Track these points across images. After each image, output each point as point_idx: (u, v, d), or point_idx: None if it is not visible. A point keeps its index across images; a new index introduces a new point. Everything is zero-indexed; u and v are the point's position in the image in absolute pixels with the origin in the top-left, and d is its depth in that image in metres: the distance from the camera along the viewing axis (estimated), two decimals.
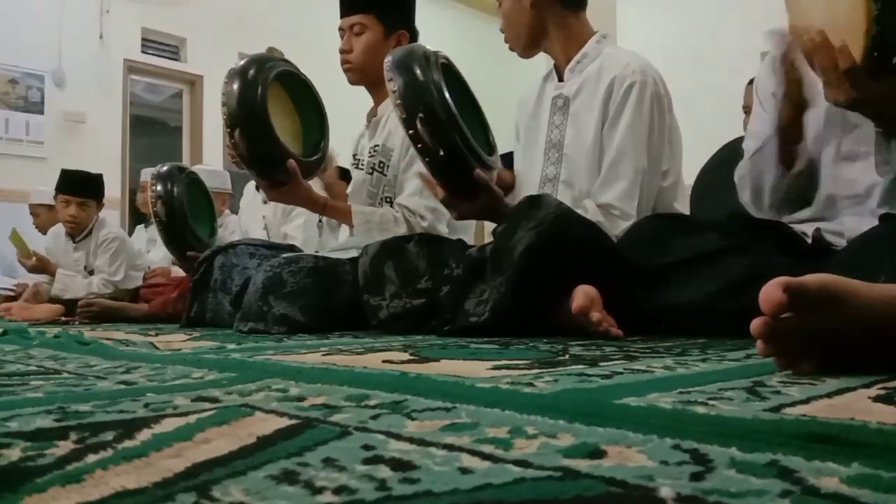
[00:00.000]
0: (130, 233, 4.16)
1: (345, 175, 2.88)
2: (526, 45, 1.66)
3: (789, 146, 1.30)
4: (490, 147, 1.61)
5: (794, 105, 1.26)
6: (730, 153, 2.32)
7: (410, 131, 1.39)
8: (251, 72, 1.71)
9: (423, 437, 0.41)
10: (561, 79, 1.67)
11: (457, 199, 1.49)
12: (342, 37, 1.96)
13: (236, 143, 1.67)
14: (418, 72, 1.41)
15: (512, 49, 1.70)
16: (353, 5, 1.94)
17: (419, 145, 1.39)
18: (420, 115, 1.37)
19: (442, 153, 1.39)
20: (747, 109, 2.74)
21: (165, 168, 2.45)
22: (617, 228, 1.44)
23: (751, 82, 2.89)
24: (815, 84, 1.17)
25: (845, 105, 1.05)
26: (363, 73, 1.94)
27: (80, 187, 3.22)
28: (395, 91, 1.40)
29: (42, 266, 3.21)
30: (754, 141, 1.36)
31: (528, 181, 1.69)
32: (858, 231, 1.19)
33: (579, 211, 1.44)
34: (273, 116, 1.73)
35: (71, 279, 3.18)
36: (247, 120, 1.67)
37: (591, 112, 1.57)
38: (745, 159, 1.39)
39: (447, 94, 1.41)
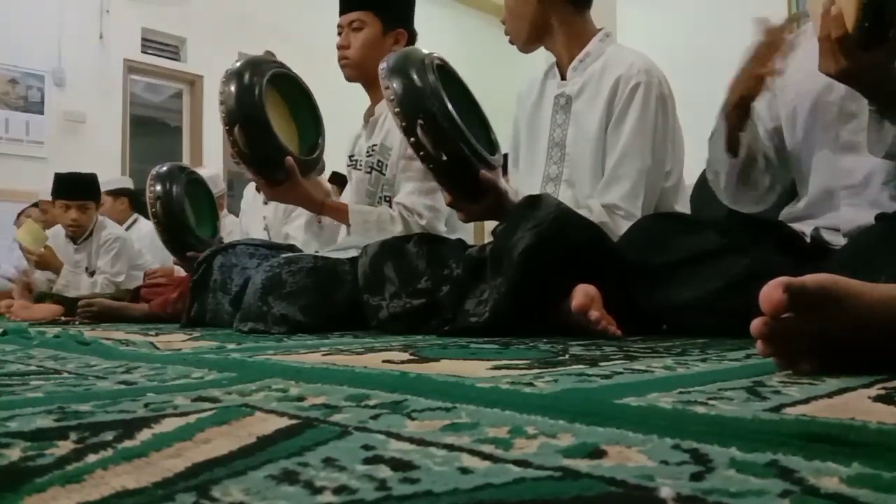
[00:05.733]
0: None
1: (340, 179, 2.88)
2: (527, 39, 1.65)
3: (732, 133, 1.27)
4: (492, 145, 1.60)
5: (740, 92, 1.23)
6: None
7: (412, 139, 1.37)
8: (247, 73, 1.73)
9: (423, 437, 0.41)
10: (563, 77, 1.66)
11: (463, 201, 1.48)
12: (340, 34, 1.97)
13: (235, 141, 1.67)
14: (415, 77, 1.39)
15: (512, 42, 1.68)
16: (352, 2, 1.95)
17: (421, 153, 1.37)
18: (420, 122, 1.35)
19: (445, 159, 1.37)
20: None
21: (165, 168, 2.44)
22: (622, 229, 1.43)
23: None
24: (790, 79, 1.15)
25: (836, 75, 1.04)
26: (360, 69, 1.95)
27: (79, 190, 3.21)
28: (393, 99, 1.38)
29: (48, 260, 3.17)
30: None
31: (530, 180, 1.69)
32: (855, 223, 1.19)
33: (583, 211, 1.44)
34: (271, 115, 1.74)
35: (76, 276, 3.18)
36: (245, 116, 1.68)
37: (594, 111, 1.57)
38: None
39: (446, 99, 1.39)
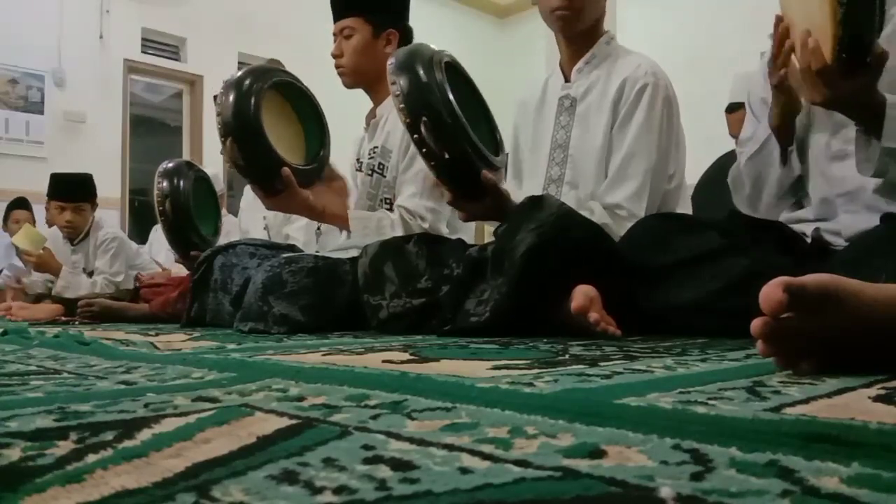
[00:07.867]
0: (131, 233, 4.17)
1: None
2: (581, 19, 1.58)
3: (783, 149, 1.31)
4: (497, 145, 1.59)
5: (783, 107, 1.25)
6: (718, 172, 2.32)
7: (415, 136, 1.37)
8: (246, 82, 1.71)
9: (423, 437, 0.41)
10: (567, 79, 1.66)
11: (463, 201, 1.48)
12: (335, 41, 1.98)
13: (230, 152, 1.67)
14: (422, 74, 1.38)
15: (567, 18, 1.57)
16: (340, 9, 1.96)
17: (423, 150, 1.37)
18: (424, 119, 1.35)
19: (447, 157, 1.37)
20: (734, 135, 2.73)
21: (172, 164, 2.41)
22: (624, 230, 1.43)
23: (729, 110, 2.88)
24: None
25: (821, 104, 1.06)
26: (356, 75, 1.95)
27: (75, 192, 3.19)
28: (399, 95, 1.38)
29: (47, 262, 3.17)
30: (749, 145, 1.36)
31: (532, 182, 1.69)
32: (855, 228, 1.19)
33: (584, 212, 1.44)
34: (271, 125, 1.72)
35: (75, 277, 3.18)
36: (240, 129, 1.67)
37: (600, 113, 1.57)
38: (742, 161, 1.39)
39: (451, 97, 1.39)
